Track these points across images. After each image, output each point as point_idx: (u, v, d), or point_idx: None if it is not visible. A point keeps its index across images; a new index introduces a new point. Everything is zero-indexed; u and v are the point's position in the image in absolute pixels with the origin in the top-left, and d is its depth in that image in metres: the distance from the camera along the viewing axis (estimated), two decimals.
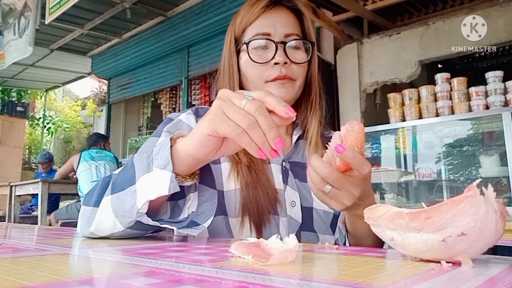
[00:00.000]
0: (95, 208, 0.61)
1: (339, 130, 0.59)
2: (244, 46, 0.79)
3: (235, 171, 0.75)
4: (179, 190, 0.56)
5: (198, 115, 0.82)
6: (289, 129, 0.86)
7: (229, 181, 0.75)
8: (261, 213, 0.72)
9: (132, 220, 0.57)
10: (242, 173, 0.74)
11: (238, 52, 0.81)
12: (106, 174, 3.43)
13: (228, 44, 0.82)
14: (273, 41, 0.77)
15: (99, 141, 3.98)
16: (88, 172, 3.61)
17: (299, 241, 0.40)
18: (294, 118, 0.49)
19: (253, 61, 0.77)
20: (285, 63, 0.76)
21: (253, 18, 0.79)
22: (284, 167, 0.80)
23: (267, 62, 0.76)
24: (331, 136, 0.92)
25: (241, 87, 0.82)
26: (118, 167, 3.86)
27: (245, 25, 0.80)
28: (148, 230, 0.62)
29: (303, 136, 0.84)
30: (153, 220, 0.56)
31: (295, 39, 0.78)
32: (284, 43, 0.77)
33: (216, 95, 0.54)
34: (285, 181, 0.78)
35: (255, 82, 0.78)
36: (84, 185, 3.56)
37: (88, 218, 0.62)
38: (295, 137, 0.84)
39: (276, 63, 0.76)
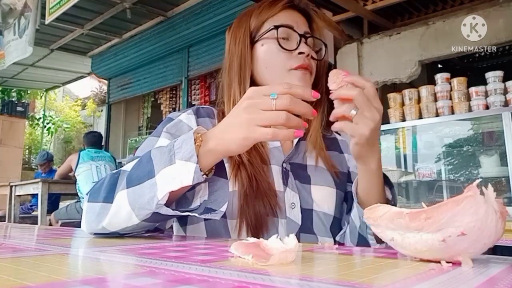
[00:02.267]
0: (105, 203, 0.62)
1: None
2: (267, 34, 0.79)
3: (234, 172, 0.75)
4: (202, 180, 0.58)
5: (198, 115, 0.82)
6: None
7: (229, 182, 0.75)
8: (258, 217, 0.72)
9: (149, 212, 0.58)
10: (240, 174, 0.74)
11: (251, 44, 0.82)
12: (106, 174, 3.42)
13: (241, 37, 0.82)
14: (297, 33, 0.79)
15: (96, 140, 3.98)
16: (88, 172, 3.61)
17: None
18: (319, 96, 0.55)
19: (282, 47, 0.78)
20: (308, 55, 0.78)
21: (275, 11, 0.81)
22: (285, 168, 0.79)
23: (293, 50, 0.78)
24: (333, 138, 0.92)
25: (252, 79, 0.81)
26: (116, 167, 3.85)
27: (265, 18, 0.81)
28: (160, 221, 0.64)
29: (304, 138, 0.83)
30: (172, 210, 0.57)
31: (314, 37, 0.83)
32: (306, 37, 0.80)
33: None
34: (285, 182, 0.78)
35: (278, 70, 0.79)
36: (84, 185, 3.56)
37: (98, 214, 0.62)
38: (296, 139, 0.84)
39: (300, 53, 0.78)
